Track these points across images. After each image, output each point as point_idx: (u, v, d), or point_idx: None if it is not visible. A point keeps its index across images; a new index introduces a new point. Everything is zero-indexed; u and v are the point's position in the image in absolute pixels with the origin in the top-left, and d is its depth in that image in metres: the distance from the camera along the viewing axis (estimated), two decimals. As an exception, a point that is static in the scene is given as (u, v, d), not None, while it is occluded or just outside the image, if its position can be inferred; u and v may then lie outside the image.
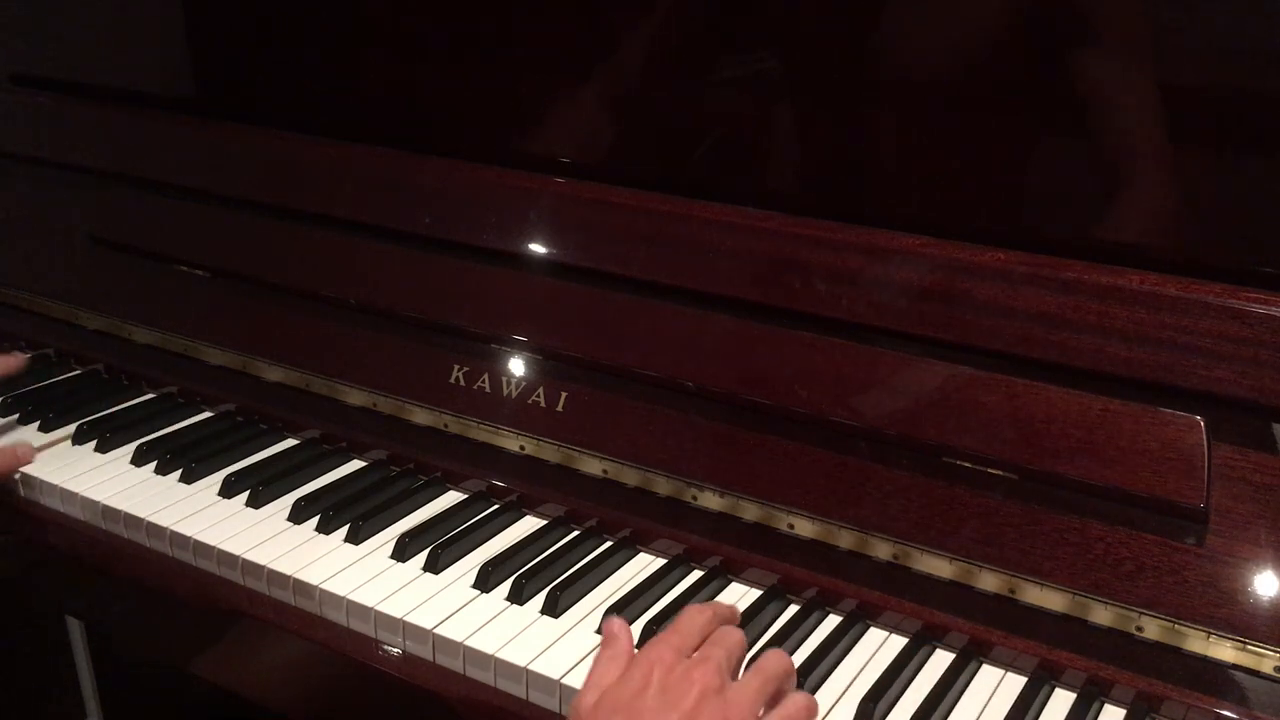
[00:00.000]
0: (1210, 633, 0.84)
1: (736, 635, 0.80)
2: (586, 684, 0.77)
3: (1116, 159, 0.96)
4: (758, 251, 1.04)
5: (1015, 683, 0.88)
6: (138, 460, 1.16)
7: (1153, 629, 0.86)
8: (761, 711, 0.75)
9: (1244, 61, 0.89)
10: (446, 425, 1.14)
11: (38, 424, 1.23)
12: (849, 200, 1.06)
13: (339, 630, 0.97)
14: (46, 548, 1.14)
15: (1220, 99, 0.90)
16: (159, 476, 1.14)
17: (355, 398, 1.19)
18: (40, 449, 1.18)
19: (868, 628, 0.95)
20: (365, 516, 1.05)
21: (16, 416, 1.24)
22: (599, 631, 0.93)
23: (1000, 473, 0.92)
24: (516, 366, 1.12)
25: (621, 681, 0.75)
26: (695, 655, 0.77)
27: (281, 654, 1.03)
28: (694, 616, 0.81)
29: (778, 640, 0.92)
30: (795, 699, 0.77)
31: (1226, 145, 0.91)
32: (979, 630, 0.91)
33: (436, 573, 1.00)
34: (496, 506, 1.09)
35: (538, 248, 1.14)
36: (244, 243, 1.29)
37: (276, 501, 1.09)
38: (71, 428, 1.22)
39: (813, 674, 0.88)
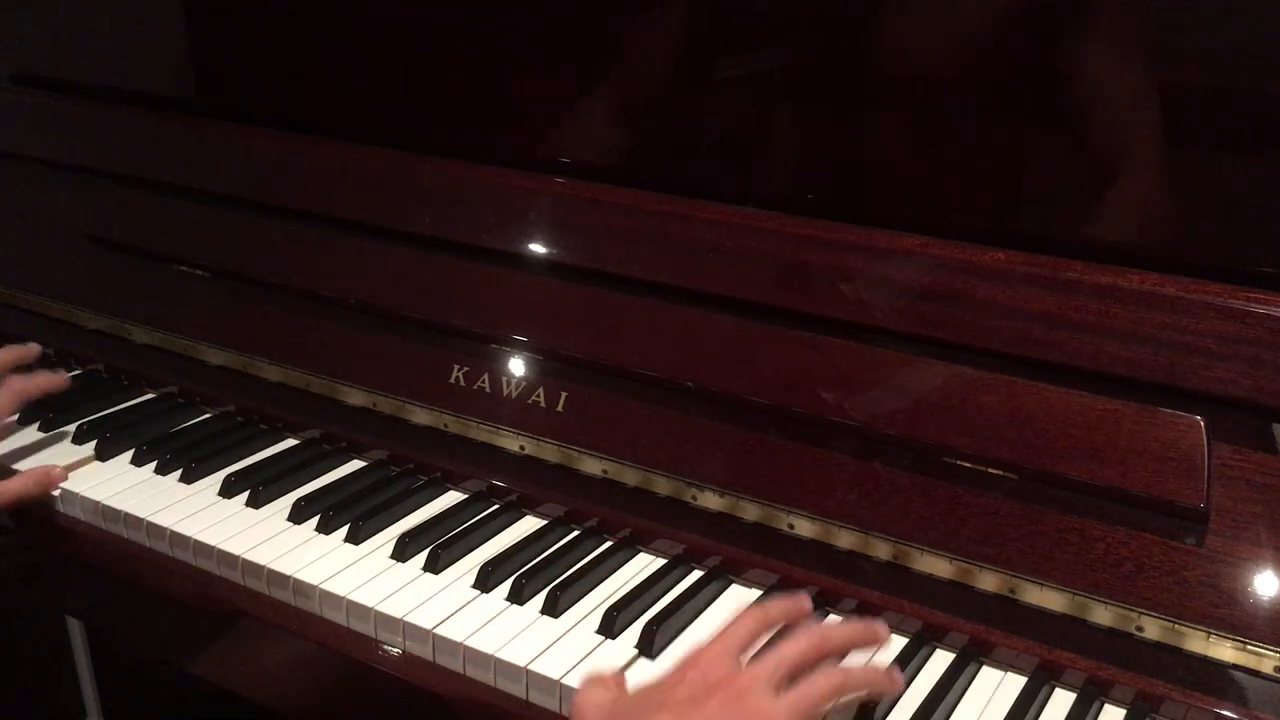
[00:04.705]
0: (1210, 633, 0.84)
1: (801, 645, 0.76)
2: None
3: (1117, 159, 0.96)
4: (757, 251, 1.04)
5: (1015, 683, 0.88)
6: (138, 460, 1.16)
7: (1153, 629, 0.86)
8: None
9: (1244, 61, 0.89)
10: (446, 425, 1.14)
11: (38, 424, 1.22)
12: (849, 200, 1.06)
13: (339, 630, 0.97)
14: (47, 548, 1.14)
15: (1221, 99, 0.90)
16: (159, 477, 1.14)
17: (355, 398, 1.19)
18: (37, 450, 1.18)
19: (868, 628, 0.95)
20: (365, 516, 1.05)
21: (16, 417, 1.24)
22: (599, 631, 0.93)
23: (1000, 473, 0.92)
24: (516, 366, 1.12)
25: (658, 682, 0.75)
26: (749, 662, 0.74)
27: (281, 654, 1.02)
28: (741, 620, 0.79)
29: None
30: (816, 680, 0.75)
31: (1227, 145, 0.91)
32: (979, 630, 0.91)
33: (436, 573, 1.00)
34: (496, 506, 1.09)
35: (538, 248, 1.14)
36: (244, 243, 1.29)
37: (276, 501, 1.09)
38: (71, 428, 1.21)
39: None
